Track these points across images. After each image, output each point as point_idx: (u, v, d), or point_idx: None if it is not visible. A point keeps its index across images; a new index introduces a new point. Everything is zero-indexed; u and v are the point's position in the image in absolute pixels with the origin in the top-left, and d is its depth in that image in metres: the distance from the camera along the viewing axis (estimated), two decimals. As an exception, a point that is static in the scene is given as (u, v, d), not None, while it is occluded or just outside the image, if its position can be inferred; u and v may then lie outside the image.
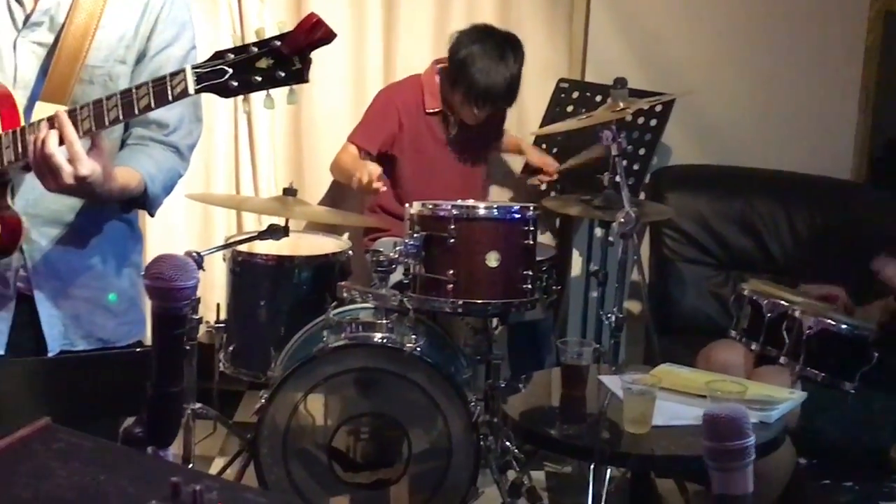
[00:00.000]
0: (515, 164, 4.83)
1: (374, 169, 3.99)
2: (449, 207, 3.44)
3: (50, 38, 2.41)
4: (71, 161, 2.22)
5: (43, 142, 2.21)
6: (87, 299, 2.55)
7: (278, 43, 2.09)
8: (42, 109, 2.33)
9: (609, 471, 3.57)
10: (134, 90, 2.19)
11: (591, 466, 3.53)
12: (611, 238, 3.99)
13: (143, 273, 1.78)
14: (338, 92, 4.68)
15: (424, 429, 3.43)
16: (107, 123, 2.21)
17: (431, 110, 4.40)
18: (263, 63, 2.11)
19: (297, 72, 2.11)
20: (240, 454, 3.80)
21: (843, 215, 4.38)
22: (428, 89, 4.40)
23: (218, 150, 4.64)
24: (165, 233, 4.58)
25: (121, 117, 2.21)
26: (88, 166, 2.23)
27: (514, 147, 4.71)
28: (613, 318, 3.84)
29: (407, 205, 3.55)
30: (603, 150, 3.87)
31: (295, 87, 2.13)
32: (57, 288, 2.50)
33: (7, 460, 1.51)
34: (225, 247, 3.72)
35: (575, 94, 4.63)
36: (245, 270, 3.84)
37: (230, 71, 2.12)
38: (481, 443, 3.45)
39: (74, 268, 2.53)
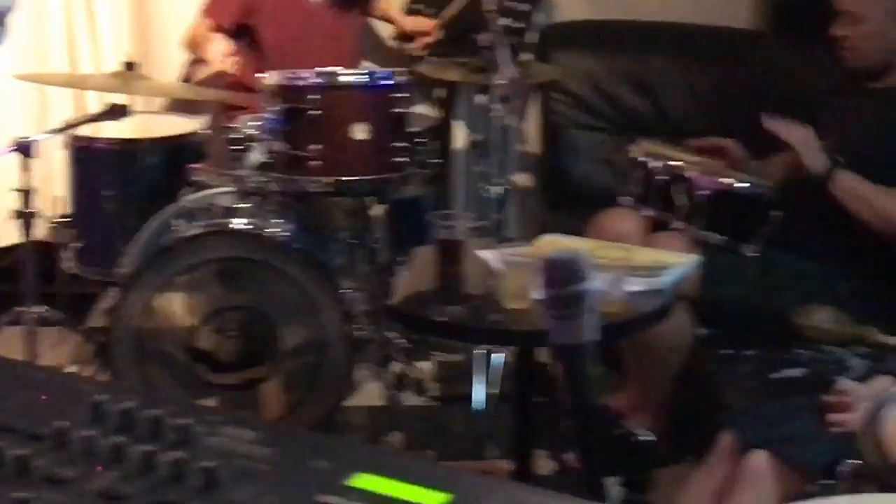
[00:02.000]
0: (387, 30, 4.84)
1: (223, 47, 4.03)
2: (309, 76, 3.45)
3: None
4: None
5: None
6: None
7: None
8: None
9: (498, 359, 3.67)
10: None
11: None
12: (492, 104, 4.02)
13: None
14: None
15: (297, 322, 3.48)
16: None
17: None
18: None
19: None
20: (93, 361, 3.81)
21: (743, 68, 4.47)
22: None
23: (51, 21, 4.57)
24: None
25: None
26: None
27: (383, 14, 4.72)
28: (496, 192, 3.90)
29: (264, 75, 3.55)
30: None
31: None
32: None
33: None
34: (59, 131, 3.70)
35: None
36: (87, 157, 3.84)
37: None
38: (357, 334, 3.52)
39: None
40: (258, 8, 4.37)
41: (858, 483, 1.97)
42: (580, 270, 1.71)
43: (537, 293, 1.73)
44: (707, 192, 3.47)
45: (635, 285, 2.89)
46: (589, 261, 1.72)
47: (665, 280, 2.95)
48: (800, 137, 3.52)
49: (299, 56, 4.31)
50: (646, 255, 3.06)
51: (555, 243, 3.12)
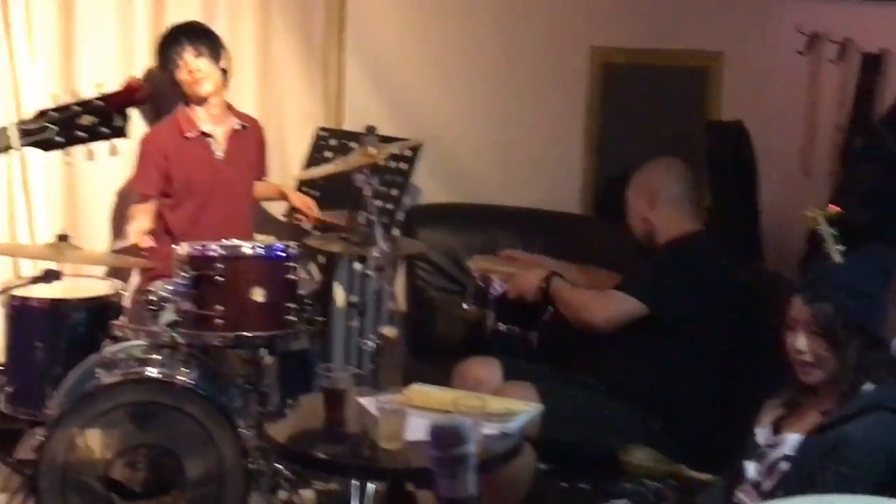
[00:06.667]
0: (278, 209, 4.82)
1: (140, 225, 4.11)
2: (216, 247, 3.44)
3: None
4: None
5: None
6: None
7: (101, 102, 2.15)
8: None
9: (371, 486, 3.60)
10: None
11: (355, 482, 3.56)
12: (368, 271, 4.04)
13: None
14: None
15: (199, 456, 3.40)
16: None
17: (190, 134, 4.37)
18: (86, 120, 2.16)
19: (119, 128, 2.18)
20: (20, 490, 3.65)
21: (573, 243, 4.53)
22: (182, 117, 4.39)
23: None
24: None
25: None
26: None
27: (277, 193, 4.68)
28: (371, 345, 3.89)
29: (175, 246, 3.52)
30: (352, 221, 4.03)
31: (116, 140, 2.20)
32: None
33: None
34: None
35: (333, 142, 4.65)
36: (21, 314, 3.72)
37: (54, 127, 2.16)
38: (251, 466, 3.44)
39: None
40: (171, 175, 4.36)
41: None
42: (464, 435, 1.69)
43: (427, 455, 1.70)
44: (500, 292, 3.83)
45: (490, 430, 2.89)
46: (471, 426, 1.70)
47: (514, 425, 2.95)
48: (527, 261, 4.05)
49: (201, 226, 4.29)
50: (498, 404, 3.06)
51: (422, 393, 3.10)
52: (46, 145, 2.21)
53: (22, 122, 2.20)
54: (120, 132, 2.23)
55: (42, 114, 2.21)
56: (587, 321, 3.67)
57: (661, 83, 4.74)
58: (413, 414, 2.90)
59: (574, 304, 3.73)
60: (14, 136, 2.17)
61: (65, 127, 2.21)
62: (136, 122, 4.33)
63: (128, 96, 2.20)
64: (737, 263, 3.75)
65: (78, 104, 2.21)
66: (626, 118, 4.80)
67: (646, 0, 4.74)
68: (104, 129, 2.21)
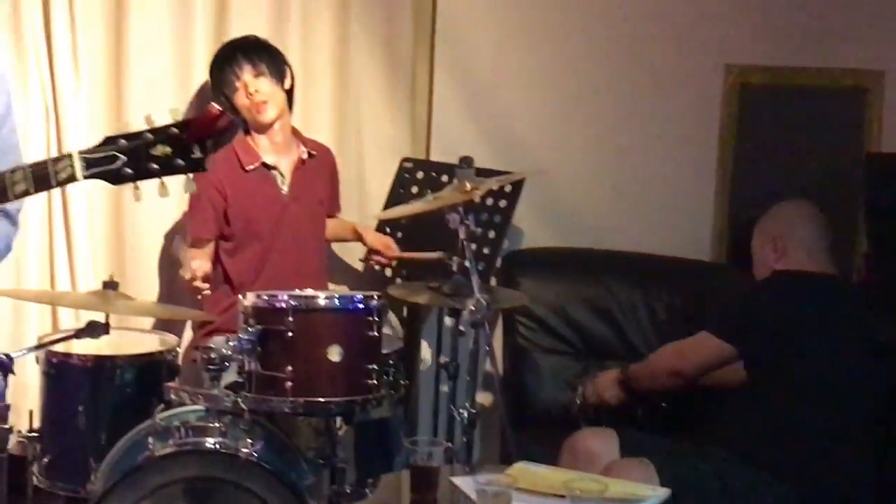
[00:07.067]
0: (354, 253, 4.84)
1: (200, 266, 4.08)
2: (286, 298, 3.44)
3: None
4: None
5: None
6: None
7: (177, 130, 2.17)
8: None
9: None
10: (8, 175, 2.19)
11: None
12: (461, 327, 4.02)
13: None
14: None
15: (264, 543, 3.38)
16: None
17: (251, 166, 4.42)
18: (160, 150, 2.19)
19: (197, 160, 2.19)
20: (57, 579, 3.69)
21: (703, 297, 4.50)
22: (240, 147, 4.43)
23: (30, 239, 4.55)
24: (-32, 335, 4.46)
25: None
26: None
27: (351, 232, 4.71)
28: (466, 414, 3.88)
29: (240, 296, 3.54)
30: (443, 256, 4.02)
31: (192, 175, 2.21)
32: None
33: None
34: (37, 348, 3.63)
35: (420, 175, 4.67)
36: (60, 373, 3.72)
37: (123, 158, 2.17)
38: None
39: None
40: (229, 213, 4.41)
41: None
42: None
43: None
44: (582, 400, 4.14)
45: (610, 518, 2.87)
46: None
47: (638, 513, 2.93)
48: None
49: (267, 271, 4.34)
50: (621, 488, 3.03)
51: (529, 472, 3.08)
52: (113, 177, 2.24)
53: (86, 151, 2.24)
54: (198, 165, 2.26)
55: (109, 141, 2.24)
56: (676, 371, 3.85)
57: (808, 107, 4.71)
58: (519, 498, 2.88)
59: (657, 366, 3.94)
60: (78, 166, 2.21)
61: (135, 157, 2.23)
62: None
63: (208, 124, 2.22)
64: (881, 318, 3.72)
65: (151, 132, 2.24)
66: (767, 148, 4.77)
67: (790, 11, 4.71)
68: (180, 162, 2.24)
